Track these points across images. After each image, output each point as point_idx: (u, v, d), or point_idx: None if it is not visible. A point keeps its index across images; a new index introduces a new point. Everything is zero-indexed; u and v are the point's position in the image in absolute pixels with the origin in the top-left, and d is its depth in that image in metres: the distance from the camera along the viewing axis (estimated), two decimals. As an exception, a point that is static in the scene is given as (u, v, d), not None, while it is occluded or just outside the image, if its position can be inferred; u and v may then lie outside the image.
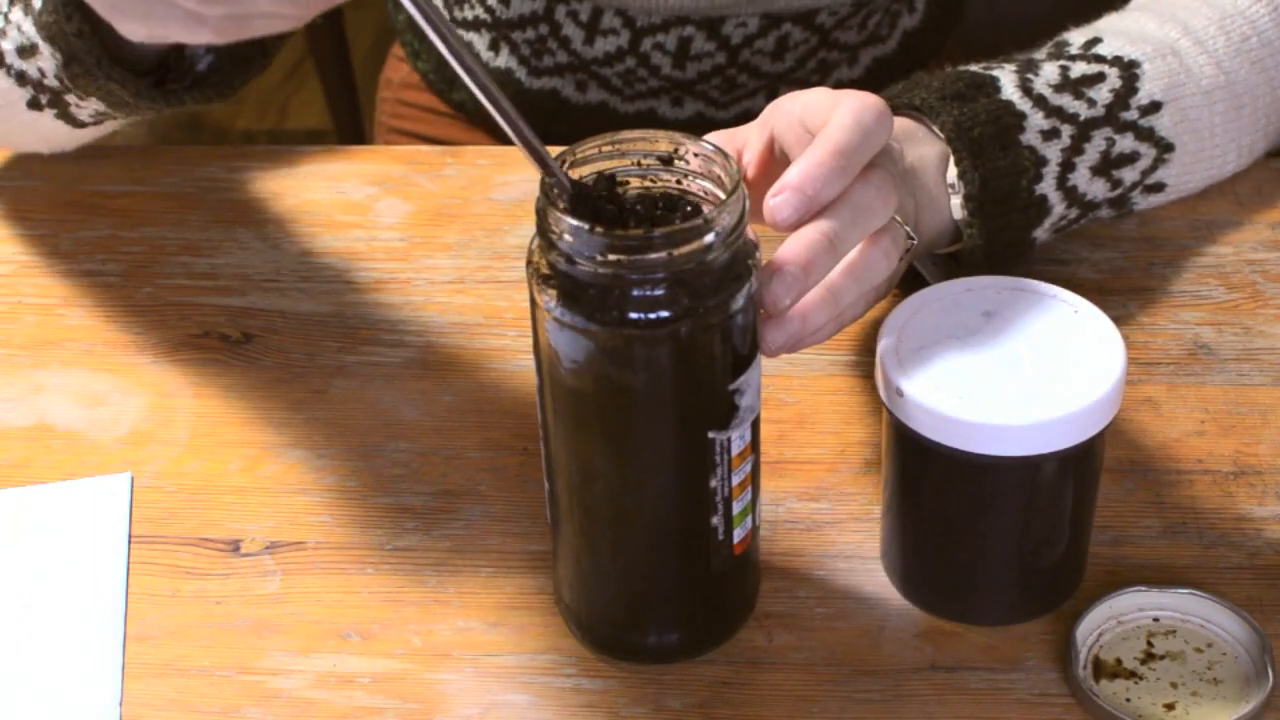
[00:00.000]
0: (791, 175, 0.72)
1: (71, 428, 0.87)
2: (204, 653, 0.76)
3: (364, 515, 0.82)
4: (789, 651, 0.75)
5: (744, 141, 0.80)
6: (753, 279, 0.68)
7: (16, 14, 0.89)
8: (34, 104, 0.92)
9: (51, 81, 0.89)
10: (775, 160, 0.79)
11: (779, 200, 0.72)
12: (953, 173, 0.86)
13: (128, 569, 0.80)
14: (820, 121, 0.75)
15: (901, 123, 0.87)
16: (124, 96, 0.88)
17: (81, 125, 0.94)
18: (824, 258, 0.72)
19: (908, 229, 0.79)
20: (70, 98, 0.90)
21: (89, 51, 0.85)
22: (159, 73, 0.91)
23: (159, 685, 0.75)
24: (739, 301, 0.67)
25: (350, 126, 1.78)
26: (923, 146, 0.86)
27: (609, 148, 0.70)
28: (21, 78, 0.91)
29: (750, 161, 0.79)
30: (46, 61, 0.88)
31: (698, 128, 1.14)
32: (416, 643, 0.76)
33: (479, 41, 1.16)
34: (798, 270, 0.71)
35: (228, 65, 0.92)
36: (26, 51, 0.89)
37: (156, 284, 0.96)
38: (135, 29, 0.77)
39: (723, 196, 0.67)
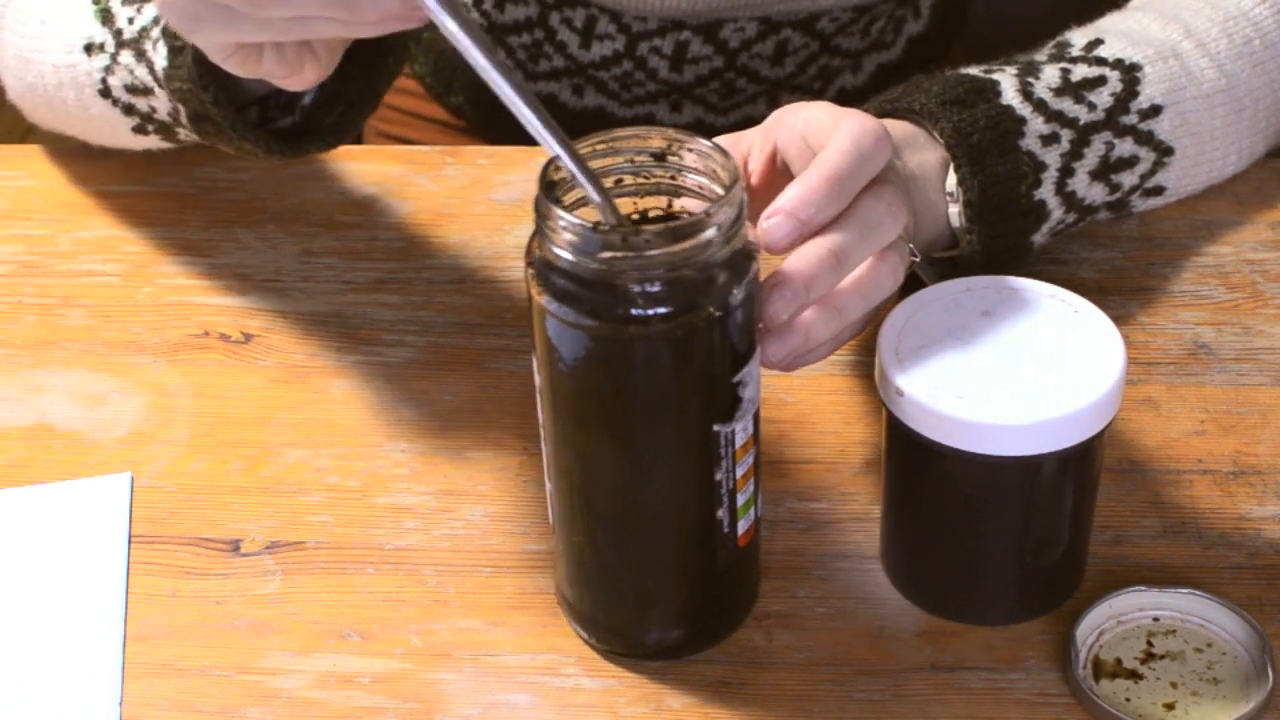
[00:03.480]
0: (785, 199, 0.72)
1: (71, 428, 0.87)
2: (204, 653, 0.76)
3: (364, 515, 0.82)
4: (789, 651, 0.75)
5: (748, 148, 0.79)
6: (752, 271, 0.67)
7: (126, 57, 0.88)
8: (140, 130, 0.92)
9: (164, 118, 0.89)
10: (777, 171, 0.79)
11: (772, 224, 0.71)
12: (951, 180, 0.86)
13: (128, 569, 0.80)
14: (821, 140, 0.74)
15: (901, 128, 0.86)
16: (252, 150, 0.86)
17: (181, 143, 0.94)
18: (828, 274, 0.71)
19: (911, 245, 0.79)
20: (181, 131, 0.90)
21: (224, 117, 0.84)
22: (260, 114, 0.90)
23: (159, 685, 0.75)
24: (739, 295, 0.67)
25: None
26: (923, 153, 0.86)
27: (603, 146, 0.70)
28: (129, 110, 0.90)
29: (754, 170, 0.79)
30: (162, 103, 0.87)
31: (697, 133, 1.14)
32: (416, 643, 0.76)
33: None
34: (799, 285, 0.70)
35: (340, 106, 0.89)
36: (139, 91, 0.88)
37: (156, 284, 0.96)
38: (210, 39, 0.74)
39: (720, 192, 0.67)
